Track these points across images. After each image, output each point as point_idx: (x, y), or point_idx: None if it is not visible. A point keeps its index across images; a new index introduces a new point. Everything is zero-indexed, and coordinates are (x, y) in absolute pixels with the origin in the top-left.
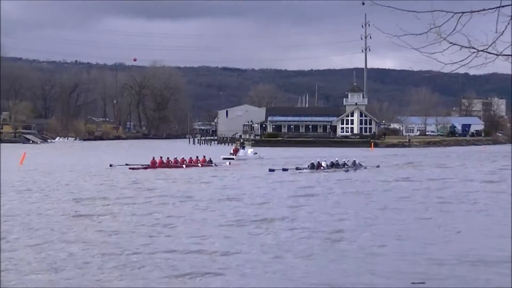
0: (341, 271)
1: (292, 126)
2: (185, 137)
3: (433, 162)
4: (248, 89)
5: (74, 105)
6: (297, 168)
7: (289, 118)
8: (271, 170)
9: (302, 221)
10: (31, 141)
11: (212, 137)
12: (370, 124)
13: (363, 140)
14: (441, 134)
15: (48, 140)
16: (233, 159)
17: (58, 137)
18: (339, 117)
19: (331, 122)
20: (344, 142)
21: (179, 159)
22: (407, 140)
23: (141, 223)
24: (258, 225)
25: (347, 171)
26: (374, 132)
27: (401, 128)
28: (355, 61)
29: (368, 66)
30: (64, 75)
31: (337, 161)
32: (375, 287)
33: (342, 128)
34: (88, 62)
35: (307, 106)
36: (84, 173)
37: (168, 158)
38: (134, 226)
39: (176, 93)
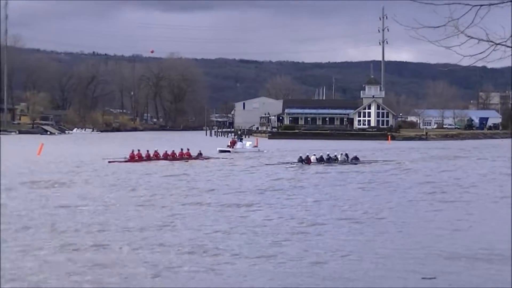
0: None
1: (309, 119)
2: (202, 129)
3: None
4: (265, 81)
5: (92, 96)
6: (293, 163)
7: (306, 111)
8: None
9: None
10: (48, 132)
11: (229, 129)
12: (387, 117)
13: (380, 133)
14: (459, 127)
15: (66, 131)
16: (229, 151)
17: (75, 128)
18: (356, 110)
19: (348, 114)
20: (361, 135)
21: (161, 152)
22: (424, 133)
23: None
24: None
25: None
26: (391, 125)
27: (418, 121)
28: (371, 53)
29: (385, 59)
30: (82, 67)
31: (328, 155)
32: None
33: (359, 120)
34: (105, 54)
35: (324, 98)
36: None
37: (147, 151)
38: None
39: (193, 85)
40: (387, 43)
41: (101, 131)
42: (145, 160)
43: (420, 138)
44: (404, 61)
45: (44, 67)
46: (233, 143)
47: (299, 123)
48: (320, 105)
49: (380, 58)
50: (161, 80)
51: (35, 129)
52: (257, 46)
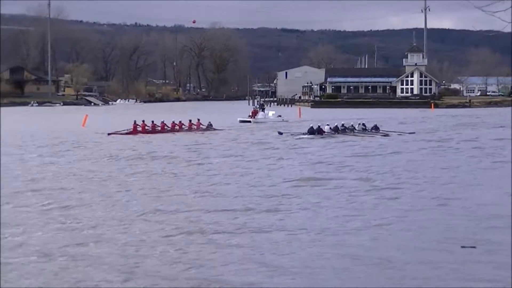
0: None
1: (351, 87)
2: (244, 99)
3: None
4: (307, 50)
5: (134, 67)
6: (303, 134)
7: (349, 79)
8: (280, 133)
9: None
10: (92, 103)
11: (272, 99)
12: (430, 84)
13: (423, 101)
14: (502, 94)
15: (109, 102)
16: (250, 122)
17: (119, 99)
18: (399, 78)
19: (390, 82)
20: (404, 103)
21: (169, 123)
22: (467, 101)
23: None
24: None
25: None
26: (434, 93)
27: (461, 89)
28: (413, 21)
29: (427, 26)
30: (124, 38)
31: (343, 124)
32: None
33: (402, 88)
34: (147, 25)
35: (366, 67)
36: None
37: (152, 122)
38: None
39: (235, 54)
40: (429, 10)
41: (144, 102)
42: (149, 132)
43: (463, 105)
44: (447, 28)
45: (87, 39)
46: (254, 113)
47: (342, 91)
48: (363, 74)
49: (422, 26)
50: (203, 50)
51: (79, 101)
52: (298, 15)
